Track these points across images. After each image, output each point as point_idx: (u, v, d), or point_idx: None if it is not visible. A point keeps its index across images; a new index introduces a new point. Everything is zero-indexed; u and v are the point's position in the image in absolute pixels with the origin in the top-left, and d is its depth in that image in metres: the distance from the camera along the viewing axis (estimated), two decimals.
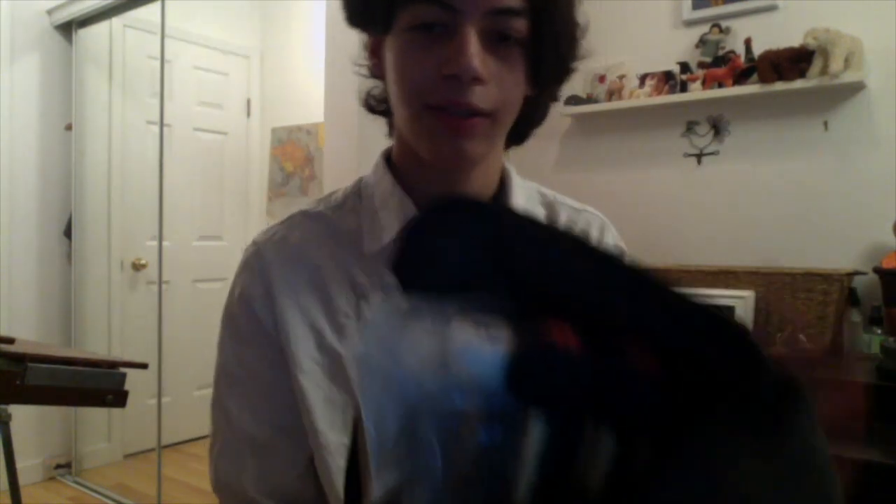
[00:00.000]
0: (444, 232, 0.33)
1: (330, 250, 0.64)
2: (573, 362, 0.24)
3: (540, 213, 0.71)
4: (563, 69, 0.59)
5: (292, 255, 0.64)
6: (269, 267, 0.63)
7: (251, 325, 0.63)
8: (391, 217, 0.63)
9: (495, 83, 0.55)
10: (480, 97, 0.55)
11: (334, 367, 0.61)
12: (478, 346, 0.25)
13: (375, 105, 0.66)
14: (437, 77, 0.54)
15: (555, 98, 0.66)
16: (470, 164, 0.59)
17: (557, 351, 0.24)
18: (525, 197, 0.69)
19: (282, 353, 0.62)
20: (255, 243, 0.66)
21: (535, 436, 0.24)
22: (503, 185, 0.67)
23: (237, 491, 0.62)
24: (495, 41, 0.55)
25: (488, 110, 0.56)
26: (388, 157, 0.67)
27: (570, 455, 0.24)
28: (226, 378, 0.64)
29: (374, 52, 0.62)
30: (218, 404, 0.65)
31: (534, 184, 0.74)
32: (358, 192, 0.68)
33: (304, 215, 0.67)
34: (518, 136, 0.67)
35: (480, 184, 0.64)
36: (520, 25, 0.54)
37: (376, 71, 0.63)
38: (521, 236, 0.31)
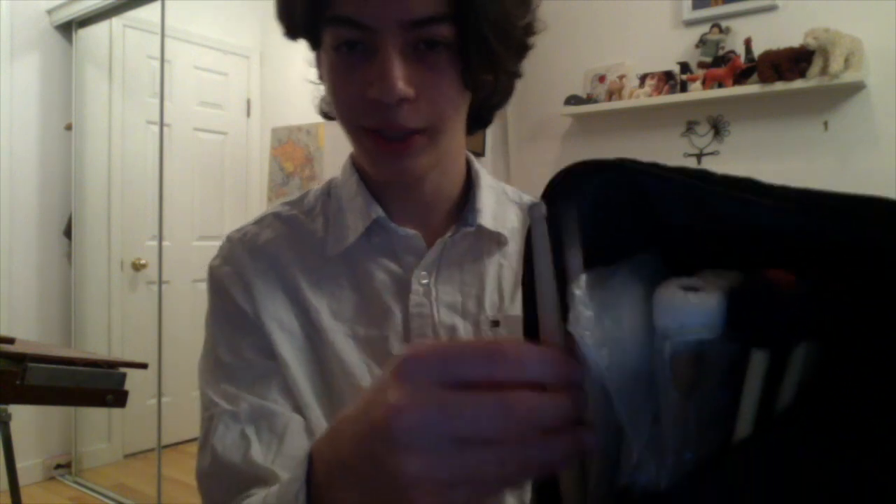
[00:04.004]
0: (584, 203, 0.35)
1: (297, 252, 0.65)
2: (792, 298, 0.27)
3: (512, 217, 0.69)
4: (497, 62, 0.56)
5: (262, 253, 0.65)
6: (243, 262, 0.64)
7: (238, 316, 0.63)
8: (356, 218, 0.63)
9: (425, 97, 0.54)
10: (410, 116, 0.54)
11: (311, 358, 0.62)
12: (685, 303, 0.29)
13: (329, 111, 0.66)
14: (364, 100, 0.53)
15: (515, 76, 0.63)
16: (415, 179, 0.60)
17: (776, 290, 0.27)
18: (495, 200, 0.68)
19: (267, 340, 0.62)
20: (228, 239, 0.67)
21: (755, 366, 0.28)
22: (470, 183, 0.67)
23: (242, 469, 0.55)
24: (422, 50, 0.53)
25: (422, 127, 0.55)
26: (354, 157, 0.68)
27: (782, 378, 0.27)
28: (221, 368, 0.62)
29: (318, 62, 0.61)
30: (213, 390, 0.61)
31: (505, 185, 0.73)
32: (328, 194, 0.69)
33: (276, 217, 0.68)
34: (481, 120, 0.66)
35: (439, 183, 0.64)
36: (443, 31, 0.52)
37: (322, 80, 0.62)
38: (672, 193, 0.33)
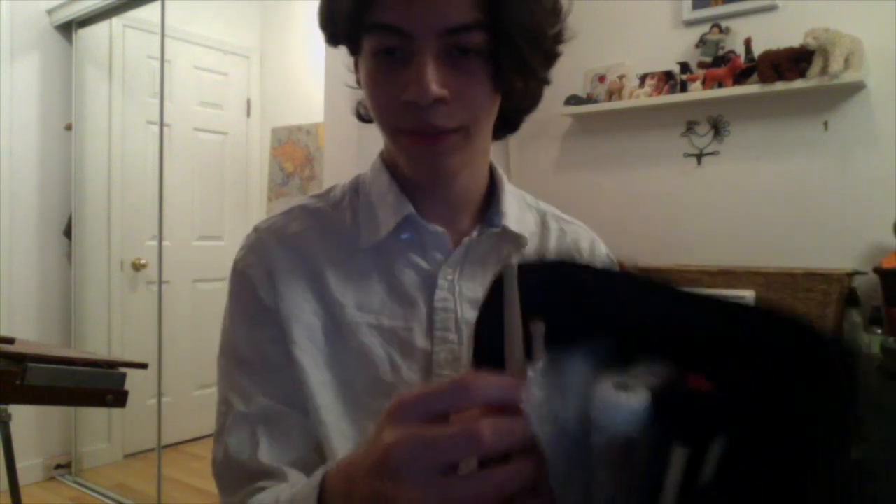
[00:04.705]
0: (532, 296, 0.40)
1: (325, 243, 0.67)
2: (707, 402, 0.33)
3: (531, 221, 0.73)
4: (527, 69, 0.59)
5: (290, 243, 0.67)
6: (270, 252, 0.66)
7: (258, 307, 0.65)
8: (388, 213, 0.66)
9: (458, 100, 0.57)
10: (444, 117, 0.57)
11: (330, 353, 0.63)
12: (617, 403, 0.34)
13: (366, 114, 0.69)
14: (400, 103, 0.57)
15: (543, 83, 0.65)
16: (448, 177, 0.63)
17: (694, 395, 0.33)
18: (517, 205, 0.71)
19: (284, 333, 0.63)
20: (256, 229, 0.69)
21: (676, 457, 0.33)
22: (494, 187, 0.70)
23: (250, 466, 0.61)
24: (456, 56, 0.56)
25: (455, 127, 0.58)
26: (385, 156, 0.70)
27: (700, 467, 0.33)
28: (236, 359, 0.65)
29: (356, 67, 0.65)
30: (228, 383, 0.65)
31: (523, 192, 0.76)
32: (355, 189, 0.71)
33: (303, 209, 0.70)
34: (509, 125, 0.69)
35: (467, 184, 0.67)
36: (477, 39, 0.55)
37: (360, 84, 0.65)
38: (603, 292, 0.40)
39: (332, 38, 0.62)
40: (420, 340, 0.64)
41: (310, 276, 0.65)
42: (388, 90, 0.58)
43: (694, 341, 0.35)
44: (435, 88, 0.55)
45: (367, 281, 0.65)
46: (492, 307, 0.41)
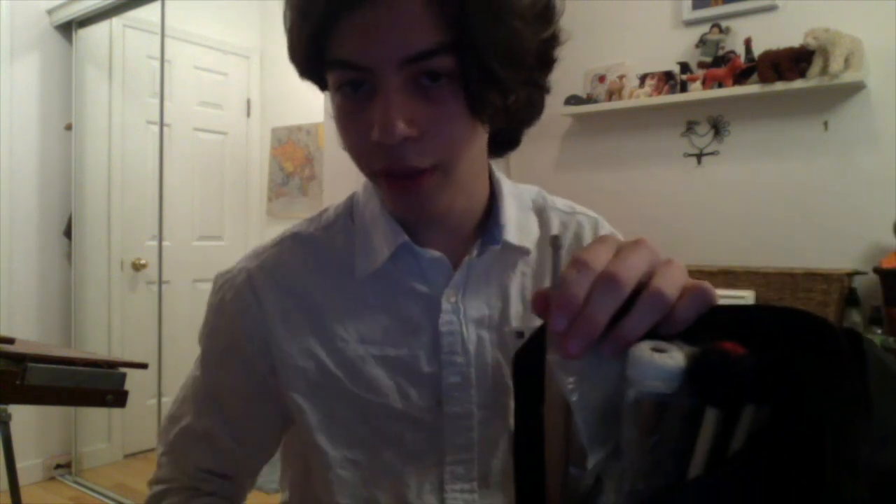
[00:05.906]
0: None
1: (321, 274, 0.64)
2: (742, 364, 0.34)
3: (532, 220, 0.69)
4: (505, 88, 0.53)
5: (284, 280, 0.64)
6: (262, 293, 0.64)
7: (245, 353, 0.65)
8: (381, 242, 0.63)
9: (430, 134, 0.52)
10: (417, 155, 0.52)
11: (336, 389, 0.62)
12: (651, 361, 0.35)
13: None
14: (370, 144, 0.52)
15: (543, 91, 0.61)
16: (435, 216, 0.59)
17: (729, 356, 0.34)
18: (517, 207, 0.67)
19: (273, 375, 0.64)
20: (245, 270, 0.66)
21: (708, 420, 0.34)
22: (493, 196, 0.66)
23: (184, 469, 0.70)
24: (426, 84, 0.51)
25: (430, 164, 0.53)
26: None
27: (732, 431, 0.33)
28: (210, 394, 0.68)
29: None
30: (194, 396, 0.70)
31: (527, 187, 0.73)
32: (349, 211, 0.68)
33: (294, 238, 0.67)
34: (508, 142, 0.65)
35: (463, 209, 0.63)
36: (444, 63, 0.50)
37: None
38: None
39: (301, 72, 0.59)
40: (426, 366, 0.62)
41: (307, 314, 0.63)
42: (357, 128, 0.54)
43: (721, 326, 0.36)
44: (401, 127, 0.50)
45: (367, 311, 0.63)
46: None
